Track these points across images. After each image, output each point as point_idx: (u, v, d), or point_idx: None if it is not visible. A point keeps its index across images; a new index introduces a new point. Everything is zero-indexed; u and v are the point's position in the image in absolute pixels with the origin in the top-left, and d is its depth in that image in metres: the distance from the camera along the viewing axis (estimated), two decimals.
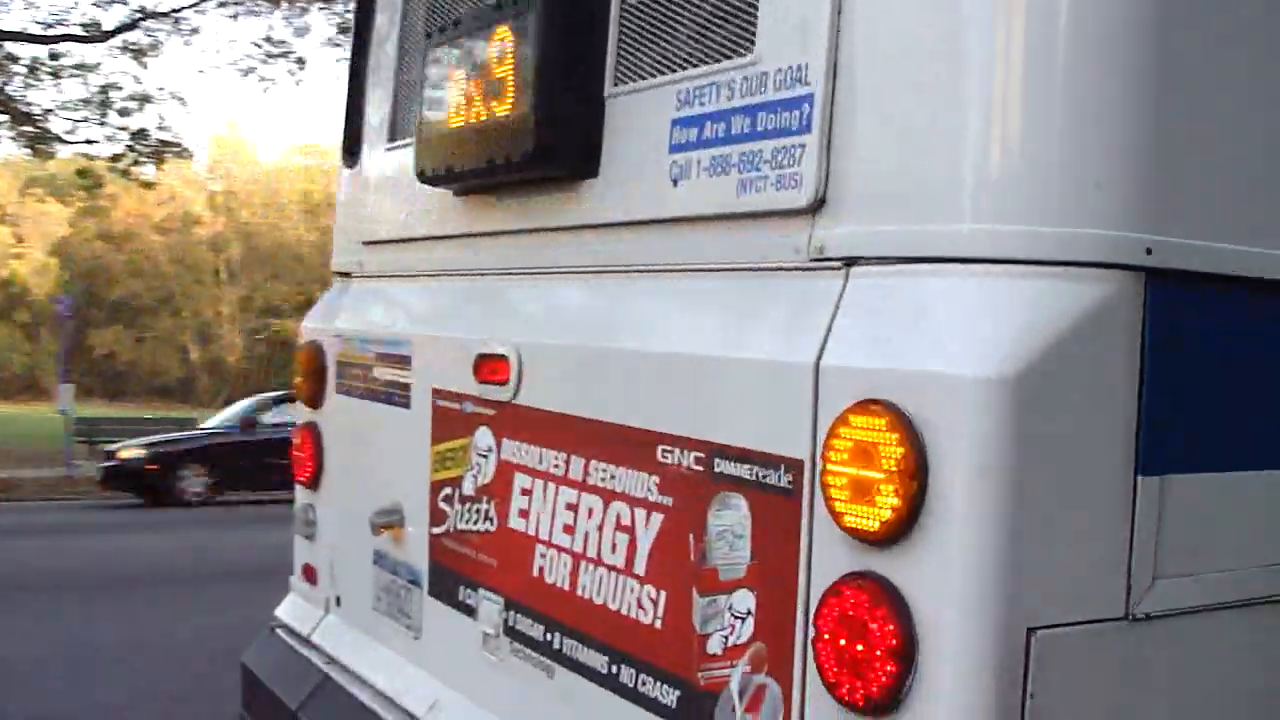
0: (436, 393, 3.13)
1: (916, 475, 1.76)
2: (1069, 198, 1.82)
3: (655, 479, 2.32)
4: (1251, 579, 1.99)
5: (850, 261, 2.00)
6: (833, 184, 2.03)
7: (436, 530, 3.11)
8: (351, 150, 3.83)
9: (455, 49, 2.93)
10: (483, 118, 2.78)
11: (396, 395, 3.33)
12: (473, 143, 2.82)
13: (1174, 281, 1.84)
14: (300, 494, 3.91)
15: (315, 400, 3.82)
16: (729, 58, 2.27)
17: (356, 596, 3.56)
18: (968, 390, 1.73)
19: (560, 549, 2.62)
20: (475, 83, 2.81)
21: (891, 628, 1.78)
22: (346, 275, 3.83)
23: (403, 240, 3.43)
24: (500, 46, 2.71)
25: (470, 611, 2.96)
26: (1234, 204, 1.95)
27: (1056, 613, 1.76)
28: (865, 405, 1.83)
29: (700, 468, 2.20)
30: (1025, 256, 1.82)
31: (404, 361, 3.29)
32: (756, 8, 2.20)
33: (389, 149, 3.55)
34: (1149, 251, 1.81)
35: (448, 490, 3.06)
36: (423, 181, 3.07)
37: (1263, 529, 2.01)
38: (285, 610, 3.97)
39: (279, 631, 3.92)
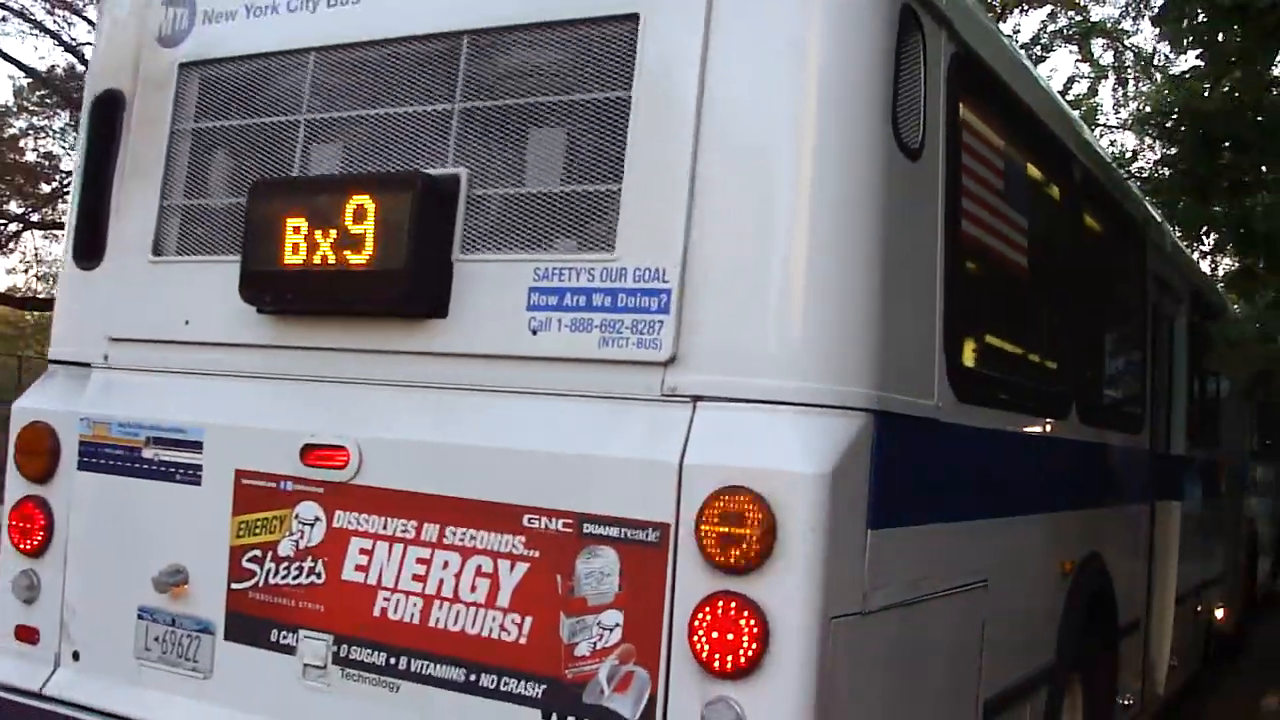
0: (241, 473, 3.82)
1: (771, 531, 3.01)
2: (836, 368, 3.17)
3: (521, 538, 3.33)
4: (914, 587, 3.47)
5: (697, 398, 3.21)
6: (682, 345, 3.23)
7: (238, 586, 3.80)
8: (88, 253, 4.31)
9: (293, 201, 3.72)
10: (332, 262, 3.62)
11: (180, 473, 3.94)
12: (321, 282, 3.64)
13: (885, 418, 3.25)
14: (16, 561, 4.25)
15: (44, 476, 4.22)
16: (590, 251, 3.38)
17: (109, 648, 4.04)
18: (803, 481, 3.02)
19: (408, 593, 3.50)
20: (322, 232, 3.63)
21: (754, 623, 3.00)
22: (81, 364, 4.28)
23: (183, 342, 4.04)
24: (358, 209, 3.58)
25: (288, 650, 3.69)
26: (903, 375, 3.41)
27: (840, 609, 3.08)
28: (733, 488, 3.05)
29: (569, 529, 3.27)
30: (815, 401, 3.14)
31: (193, 446, 3.92)
32: (617, 221, 3.34)
33: (155, 261, 4.14)
34: (878, 401, 3.21)
35: (255, 552, 3.77)
36: (259, 309, 3.79)
37: (920, 558, 3.49)
38: None
39: None
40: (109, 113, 4.37)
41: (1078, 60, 23.48)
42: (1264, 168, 7.23)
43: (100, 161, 4.36)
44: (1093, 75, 22.86)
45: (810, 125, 3.21)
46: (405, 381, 3.65)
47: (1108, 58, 23.10)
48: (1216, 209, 7.27)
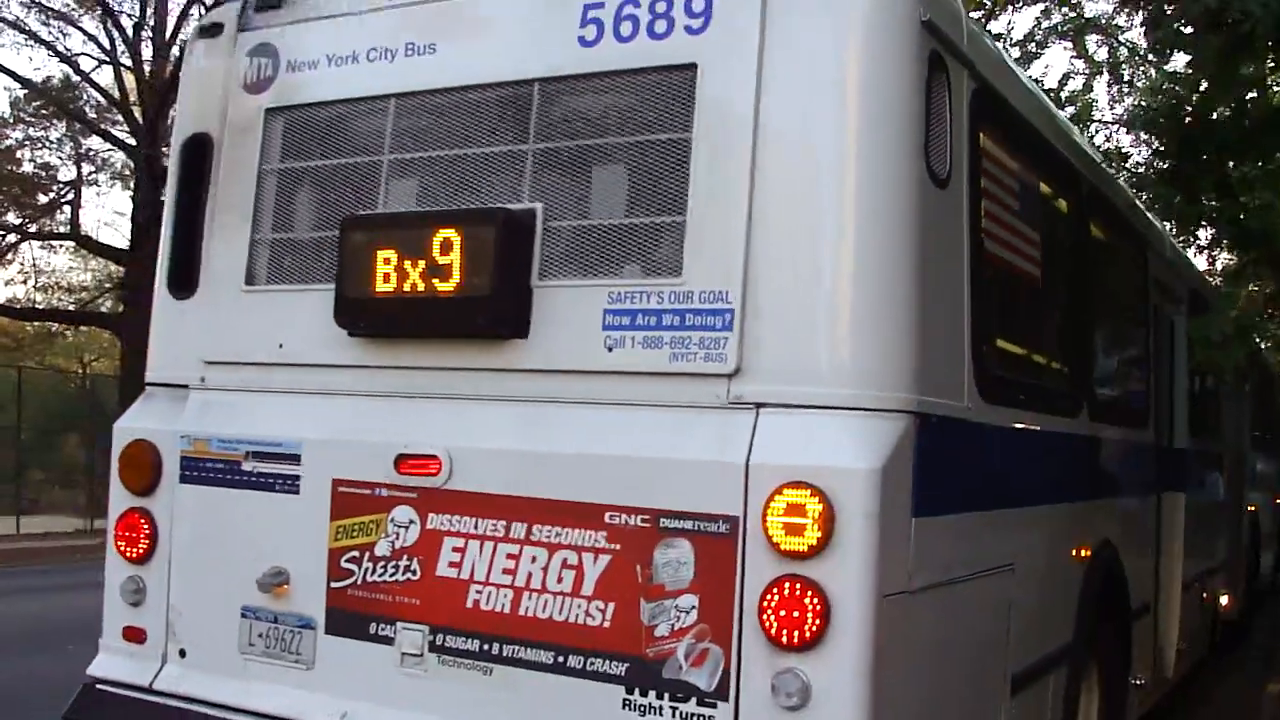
0: (338, 481, 4.22)
1: (830, 520, 3.41)
2: (881, 376, 3.58)
3: (603, 533, 3.74)
4: (951, 569, 3.87)
5: (759, 405, 3.62)
6: (745, 359, 3.63)
7: (338, 584, 4.20)
8: (182, 284, 4.72)
9: (383, 235, 4.12)
10: (421, 289, 4.02)
11: (280, 484, 4.34)
12: (411, 308, 4.05)
13: (925, 419, 3.66)
14: (123, 568, 4.65)
15: (148, 489, 4.63)
16: (660, 276, 3.79)
17: (214, 645, 4.44)
18: (858, 476, 3.43)
19: (499, 585, 3.90)
20: (411, 263, 4.04)
21: (818, 602, 3.40)
22: (179, 386, 4.69)
23: (277, 364, 4.44)
24: (445, 241, 3.99)
25: (386, 640, 4.09)
26: (938, 380, 3.81)
27: (890, 588, 3.48)
28: (795, 484, 3.45)
29: (647, 524, 3.67)
30: (864, 406, 3.55)
31: (291, 459, 4.32)
32: (683, 249, 3.75)
33: (248, 290, 4.55)
34: (918, 405, 3.62)
35: (354, 553, 4.17)
36: (352, 333, 4.20)
37: (955, 544, 3.90)
38: (103, 668, 4.66)
39: (102, 688, 4.62)
40: (198, 154, 4.77)
41: (1073, 57, 23.87)
42: (1247, 167, 7.54)
43: (190, 199, 4.77)
44: (1088, 71, 23.26)
45: (852, 161, 3.62)
46: (491, 396, 4.05)
47: (1102, 53, 23.47)
48: (1206, 205, 7.56)
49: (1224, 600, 10.50)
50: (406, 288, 4.05)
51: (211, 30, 4.80)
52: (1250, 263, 8.11)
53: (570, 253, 3.99)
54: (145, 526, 4.62)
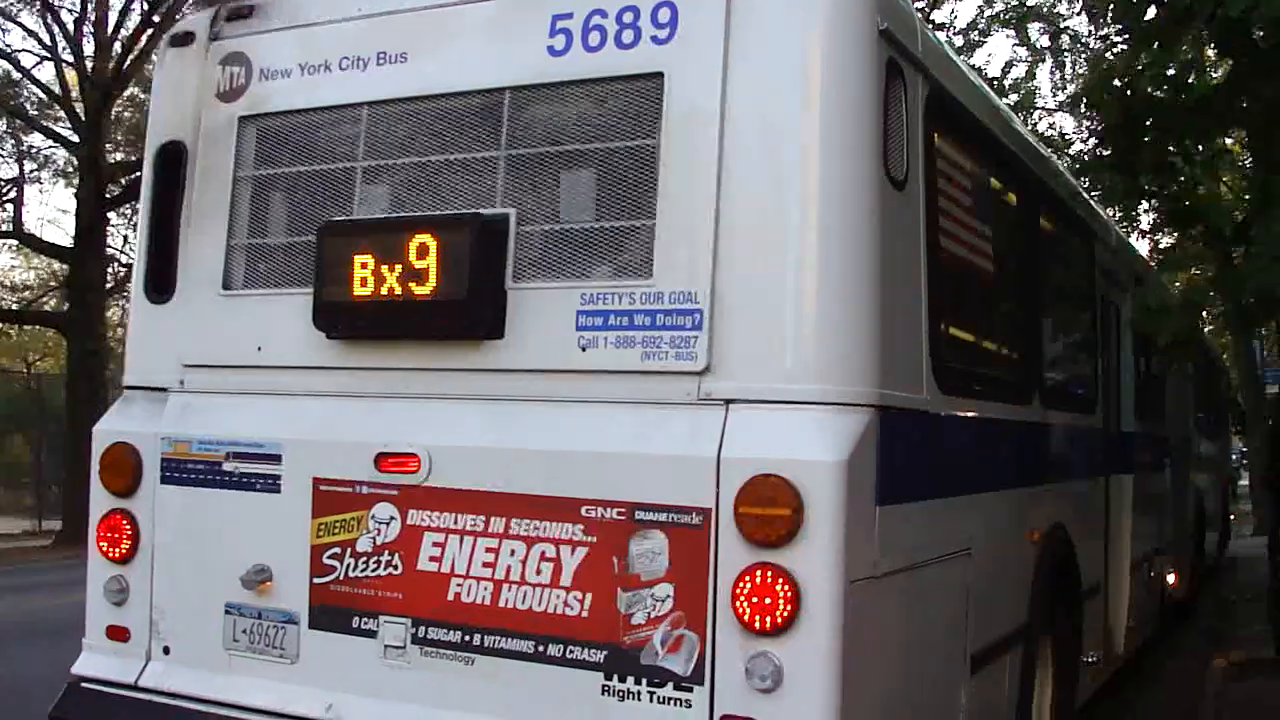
0: (319, 480, 4.34)
1: (799, 510, 3.57)
2: (845, 372, 3.74)
3: (580, 526, 3.88)
4: (913, 555, 4.05)
5: (729, 401, 3.77)
6: (714, 357, 3.78)
7: (320, 580, 4.31)
8: (159, 288, 4.80)
9: (360, 240, 4.24)
10: (398, 293, 4.14)
11: (261, 483, 4.45)
12: (388, 311, 4.16)
13: (886, 412, 3.83)
14: (106, 568, 4.73)
15: (129, 491, 4.72)
16: (631, 277, 3.93)
17: (198, 642, 4.54)
18: (825, 468, 3.59)
19: (479, 578, 4.03)
20: (388, 267, 4.16)
21: (788, 588, 3.56)
22: (157, 389, 4.78)
23: (256, 367, 4.55)
24: (421, 246, 4.10)
25: (369, 634, 4.21)
26: (898, 374, 3.98)
27: (857, 573, 3.65)
28: (764, 476, 3.61)
29: (622, 516, 3.82)
30: (829, 400, 3.71)
31: (272, 459, 4.43)
32: (653, 252, 3.89)
33: (225, 295, 4.64)
34: (880, 398, 3.79)
35: (335, 550, 4.29)
36: (330, 336, 4.31)
37: (917, 530, 4.08)
38: (87, 667, 4.75)
39: (88, 686, 4.71)
40: (172, 162, 4.86)
41: (1015, 44, 24.25)
42: (1187, 145, 7.67)
43: (166, 205, 4.85)
44: (1030, 59, 23.65)
45: (814, 166, 3.78)
46: (468, 395, 4.18)
47: (1044, 41, 23.85)
48: (1145, 184, 7.67)
49: (1171, 579, 10.80)
50: (384, 291, 4.16)
51: (183, 39, 4.88)
52: (1189, 241, 8.31)
53: (543, 256, 4.12)
54: (127, 527, 4.71)
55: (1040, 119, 23.75)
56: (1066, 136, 21.76)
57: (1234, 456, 25.83)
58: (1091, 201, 7.70)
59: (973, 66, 18.03)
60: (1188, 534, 12.20)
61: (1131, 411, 8.34)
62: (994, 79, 21.18)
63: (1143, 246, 16.68)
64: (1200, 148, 7.92)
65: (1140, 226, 20.06)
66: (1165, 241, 18.28)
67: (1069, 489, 6.68)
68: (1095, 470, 7.38)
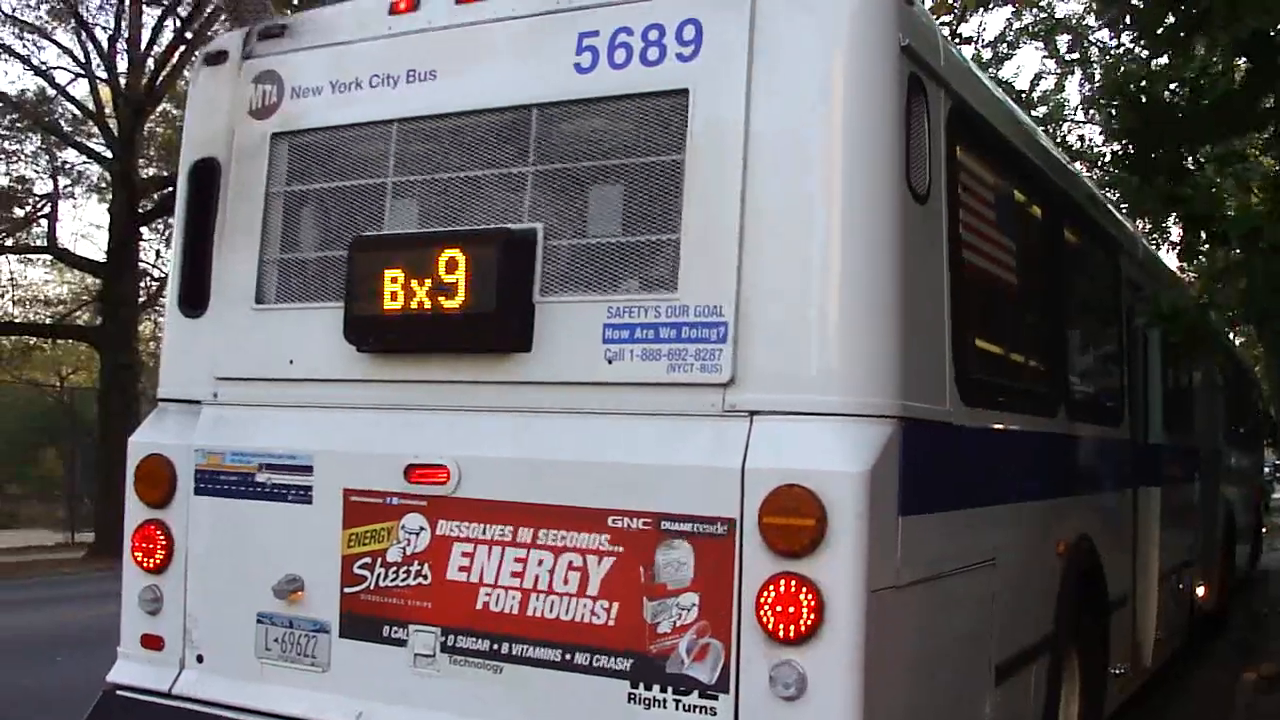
0: (349, 491, 4.41)
1: (823, 520, 3.62)
2: (868, 384, 3.79)
3: (607, 536, 3.93)
4: (936, 565, 4.08)
5: (753, 413, 3.82)
6: (739, 369, 3.84)
7: (351, 590, 4.38)
8: (193, 303, 4.90)
9: (391, 255, 4.31)
10: (427, 307, 4.21)
11: (292, 494, 4.52)
12: (418, 325, 4.23)
13: (909, 423, 3.87)
14: (140, 578, 4.82)
15: (163, 502, 4.80)
16: (656, 291, 3.98)
17: (230, 651, 4.62)
18: (848, 479, 3.63)
19: (508, 588, 4.09)
20: (418, 281, 4.23)
21: (812, 597, 3.61)
22: (191, 402, 4.86)
23: (288, 379, 4.63)
24: (450, 260, 4.18)
25: (399, 642, 4.27)
26: (921, 386, 4.02)
27: (880, 583, 3.69)
28: (788, 486, 3.65)
29: (648, 527, 3.87)
30: (852, 411, 3.75)
31: (303, 470, 4.50)
32: (678, 266, 3.95)
33: (258, 309, 4.73)
34: (903, 410, 3.83)
35: (366, 560, 4.35)
36: (361, 349, 4.38)
37: (940, 540, 4.11)
38: (122, 675, 4.83)
39: (122, 693, 4.79)
40: (205, 178, 4.95)
41: (1044, 57, 24.20)
42: (1202, 153, 7.64)
43: (200, 221, 4.95)
44: (1059, 71, 23.59)
45: (838, 182, 3.83)
46: (496, 407, 4.24)
47: (1073, 54, 23.77)
48: (1161, 188, 7.62)
49: (1201, 591, 10.75)
50: (414, 305, 4.23)
51: (216, 58, 4.98)
52: (1201, 242, 8.24)
53: (570, 270, 4.18)
54: (161, 538, 4.79)
55: (1070, 130, 23.69)
56: (1096, 148, 21.66)
57: (1267, 469, 25.63)
58: (1117, 214, 7.69)
59: (1000, 80, 18.03)
60: (1218, 546, 12.14)
61: (1160, 423, 8.33)
62: (1022, 92, 21.13)
63: (1172, 260, 16.60)
64: (1211, 149, 7.86)
65: (1171, 239, 20.00)
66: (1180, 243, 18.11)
67: (1095, 501, 6.69)
68: (1122, 482, 7.38)
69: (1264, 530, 20.13)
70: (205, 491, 4.74)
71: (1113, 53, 21.19)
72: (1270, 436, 21.27)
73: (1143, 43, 7.72)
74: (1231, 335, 14.04)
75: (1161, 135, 7.09)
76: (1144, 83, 7.33)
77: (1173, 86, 7.31)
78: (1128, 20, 7.48)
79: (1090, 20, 22.66)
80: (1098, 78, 23.29)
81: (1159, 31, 6.94)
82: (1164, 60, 7.22)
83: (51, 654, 10.13)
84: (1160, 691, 9.12)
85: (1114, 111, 8.33)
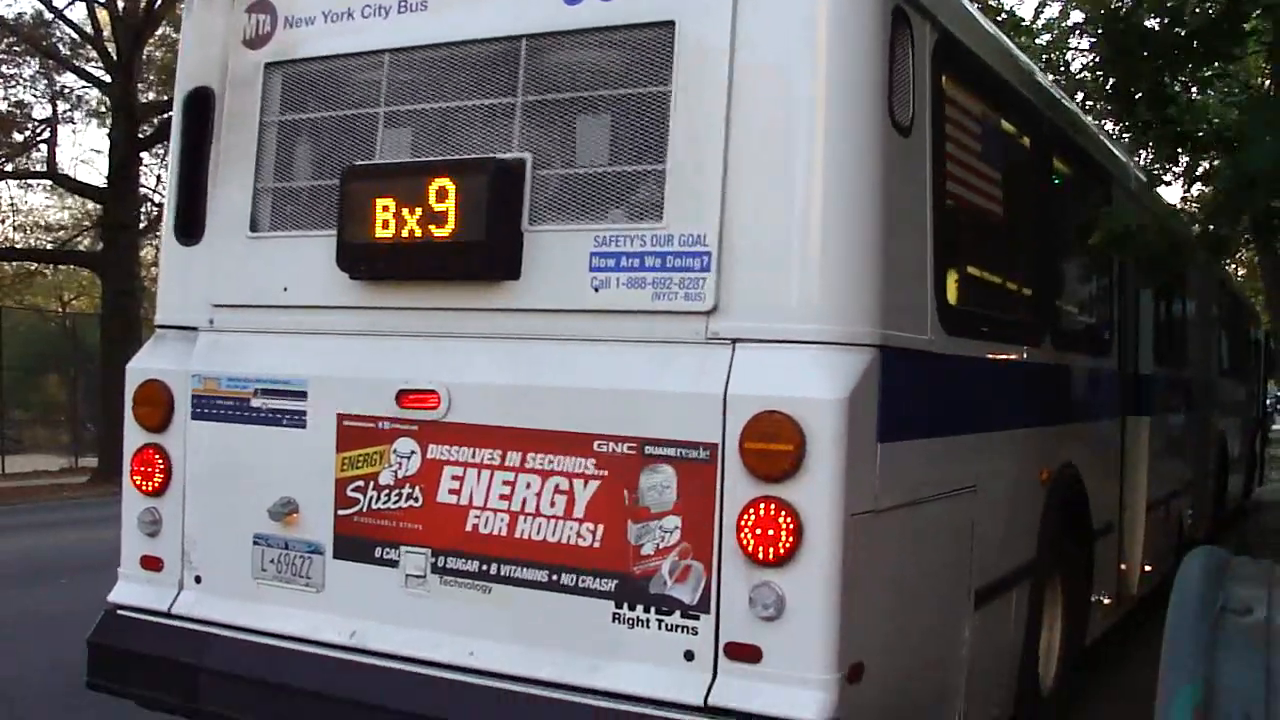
0: (343, 416, 4.50)
1: (802, 445, 3.71)
2: (849, 312, 3.86)
3: (592, 460, 4.02)
4: (915, 491, 4.18)
5: (735, 340, 3.90)
6: (722, 298, 3.91)
7: (344, 512, 4.49)
8: (189, 231, 4.96)
9: (382, 184, 4.37)
10: (418, 235, 4.27)
11: (287, 419, 4.62)
12: (409, 252, 4.30)
13: (889, 352, 3.94)
14: (139, 501, 4.93)
15: (161, 426, 4.90)
16: (642, 220, 4.04)
17: (228, 571, 4.74)
18: (827, 405, 3.72)
19: (496, 510, 4.19)
20: (409, 210, 4.29)
21: (791, 521, 3.71)
22: (188, 328, 4.94)
23: (282, 306, 4.70)
24: (440, 189, 4.23)
25: (391, 564, 4.38)
26: (902, 315, 4.09)
27: (857, 508, 3.78)
28: (769, 412, 3.74)
29: (633, 451, 3.96)
30: (831, 340, 3.83)
31: (298, 395, 4.59)
32: (664, 196, 4.00)
33: (253, 237, 4.79)
34: (882, 338, 3.91)
35: (359, 483, 4.45)
36: (353, 277, 4.45)
37: (919, 466, 4.21)
38: (122, 595, 4.96)
39: (123, 613, 4.92)
40: (200, 107, 4.99)
41: None
42: (1183, 78, 7.58)
43: (194, 150, 4.99)
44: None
45: (820, 112, 3.87)
46: (485, 334, 4.32)
47: None
48: (1141, 114, 7.59)
49: (1191, 522, 10.88)
50: (405, 234, 4.30)
51: None
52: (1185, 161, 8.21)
53: (558, 199, 4.24)
54: (160, 461, 4.89)
55: (1074, 58, 23.46)
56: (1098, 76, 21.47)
57: (1270, 401, 25.70)
58: (1109, 144, 7.71)
59: (1001, 9, 17.83)
60: (1209, 476, 12.27)
61: (1150, 354, 8.40)
62: (1022, 19, 20.91)
63: (1173, 193, 16.56)
64: (1192, 74, 7.82)
65: (1174, 170, 19.89)
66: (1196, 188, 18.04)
67: (1081, 430, 6.78)
68: (1110, 412, 7.47)
69: (1260, 463, 20.28)
70: (202, 416, 4.83)
71: None
72: (1270, 369, 21.35)
73: None
74: (1230, 266, 14.03)
75: (1140, 65, 7.07)
76: (1123, 13, 7.29)
77: (1153, 14, 7.26)
78: None
79: None
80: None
81: None
82: None
83: (55, 577, 10.32)
84: (1148, 619, 9.27)
85: (1095, 38, 8.26)
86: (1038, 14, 22.73)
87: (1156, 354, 8.61)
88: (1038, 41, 19.25)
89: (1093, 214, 6.78)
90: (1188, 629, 3.42)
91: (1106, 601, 7.33)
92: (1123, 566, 7.98)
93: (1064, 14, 23.04)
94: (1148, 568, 8.50)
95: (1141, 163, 9.38)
